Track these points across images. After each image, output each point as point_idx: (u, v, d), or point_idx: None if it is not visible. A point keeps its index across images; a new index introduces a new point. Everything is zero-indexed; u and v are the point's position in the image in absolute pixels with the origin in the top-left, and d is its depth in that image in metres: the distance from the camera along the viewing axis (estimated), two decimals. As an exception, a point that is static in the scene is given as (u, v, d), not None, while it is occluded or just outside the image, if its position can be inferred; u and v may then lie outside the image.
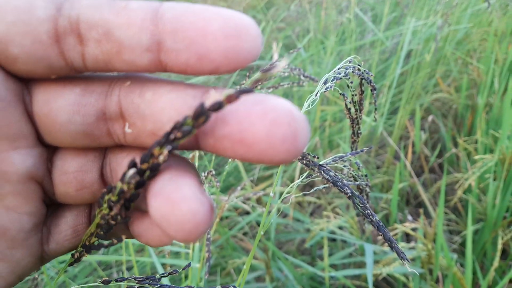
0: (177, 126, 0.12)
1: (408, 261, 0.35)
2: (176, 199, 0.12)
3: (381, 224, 0.36)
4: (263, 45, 0.12)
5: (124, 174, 0.13)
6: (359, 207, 0.37)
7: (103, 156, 0.15)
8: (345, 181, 0.36)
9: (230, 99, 0.11)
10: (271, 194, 0.35)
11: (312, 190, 0.36)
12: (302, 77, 0.59)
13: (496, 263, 0.83)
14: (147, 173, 0.12)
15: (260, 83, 0.13)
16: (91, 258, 0.60)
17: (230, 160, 0.68)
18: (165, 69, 0.12)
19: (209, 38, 0.11)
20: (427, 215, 1.06)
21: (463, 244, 1.05)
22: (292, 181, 1.09)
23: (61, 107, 0.13)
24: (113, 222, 0.14)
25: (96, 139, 0.14)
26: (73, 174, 0.15)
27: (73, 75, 0.14)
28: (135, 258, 0.63)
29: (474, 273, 0.92)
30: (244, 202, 0.94)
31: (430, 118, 1.17)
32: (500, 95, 1.13)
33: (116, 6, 0.12)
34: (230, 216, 1.02)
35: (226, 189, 1.12)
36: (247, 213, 1.05)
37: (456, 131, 1.20)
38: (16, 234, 0.14)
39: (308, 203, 1.07)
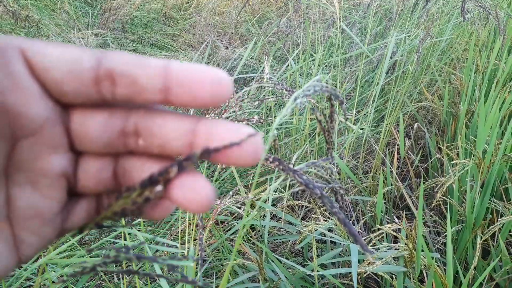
0: (188, 157, 0.18)
1: (370, 252, 0.41)
2: (197, 188, 0.18)
3: (347, 221, 0.42)
4: (233, 87, 0.19)
5: (144, 183, 0.19)
6: (327, 206, 0.43)
7: (116, 159, 0.21)
8: (316, 184, 0.42)
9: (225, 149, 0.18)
10: (270, 193, 0.41)
11: (289, 192, 0.42)
12: (285, 91, 0.65)
13: (475, 262, 0.88)
14: (162, 183, 0.19)
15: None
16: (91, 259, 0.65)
17: (220, 166, 0.74)
18: (170, 104, 0.19)
19: (202, 87, 0.18)
20: (412, 217, 1.11)
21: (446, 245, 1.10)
22: (284, 188, 1.14)
23: (93, 126, 0.19)
24: (130, 214, 0.20)
25: (115, 148, 0.20)
26: (93, 173, 0.20)
27: (102, 104, 0.20)
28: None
29: (457, 272, 0.97)
30: (239, 208, 1.00)
31: (415, 125, 1.23)
32: (480, 103, 1.19)
33: (140, 62, 0.18)
34: (226, 220, 1.07)
35: (222, 194, 1.17)
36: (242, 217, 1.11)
37: (440, 138, 1.26)
38: (47, 215, 0.20)
39: (299, 207, 1.12)
